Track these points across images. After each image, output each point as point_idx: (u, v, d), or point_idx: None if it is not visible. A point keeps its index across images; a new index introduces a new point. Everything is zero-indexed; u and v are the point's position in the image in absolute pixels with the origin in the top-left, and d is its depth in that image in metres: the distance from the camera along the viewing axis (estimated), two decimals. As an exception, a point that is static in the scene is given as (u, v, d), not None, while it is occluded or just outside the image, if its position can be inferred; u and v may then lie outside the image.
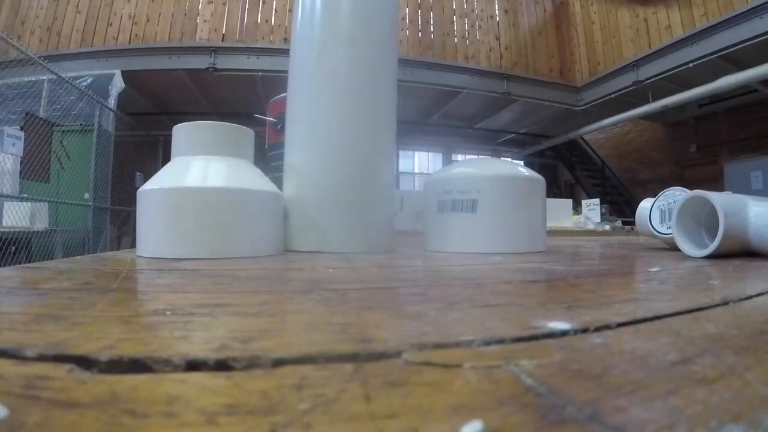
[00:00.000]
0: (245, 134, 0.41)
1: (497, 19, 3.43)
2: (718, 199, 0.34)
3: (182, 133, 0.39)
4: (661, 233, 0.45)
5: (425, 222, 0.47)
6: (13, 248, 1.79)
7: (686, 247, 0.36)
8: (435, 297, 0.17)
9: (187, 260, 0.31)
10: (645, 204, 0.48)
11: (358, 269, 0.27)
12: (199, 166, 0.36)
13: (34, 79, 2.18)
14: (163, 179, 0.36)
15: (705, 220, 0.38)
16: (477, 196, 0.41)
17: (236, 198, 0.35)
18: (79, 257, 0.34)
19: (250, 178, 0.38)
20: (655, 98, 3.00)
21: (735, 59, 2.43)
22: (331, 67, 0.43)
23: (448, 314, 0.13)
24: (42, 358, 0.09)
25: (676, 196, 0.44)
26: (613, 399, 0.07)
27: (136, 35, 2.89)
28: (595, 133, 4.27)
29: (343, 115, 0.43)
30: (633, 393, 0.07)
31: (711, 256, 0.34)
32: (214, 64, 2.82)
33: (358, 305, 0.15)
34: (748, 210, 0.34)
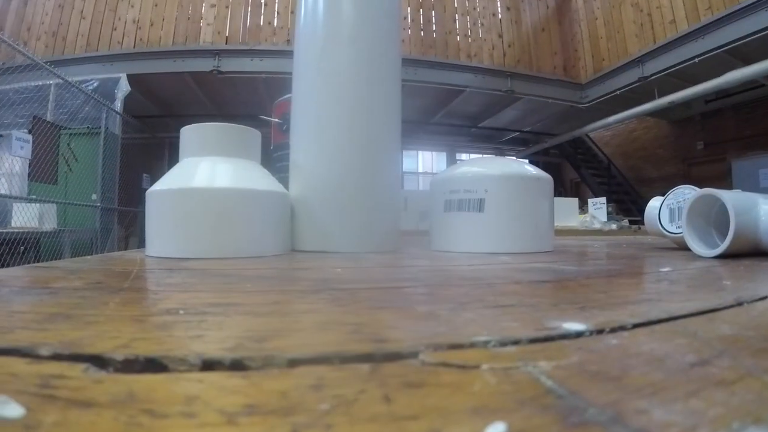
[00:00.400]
0: (252, 135, 0.41)
1: (499, 16, 3.41)
2: (729, 197, 0.33)
3: (190, 134, 0.39)
4: (670, 232, 0.45)
5: (431, 222, 0.46)
6: (22, 248, 1.82)
7: (697, 246, 0.36)
8: (445, 297, 0.17)
9: (195, 260, 0.31)
10: (654, 203, 0.48)
11: (366, 269, 0.27)
12: (206, 167, 0.37)
13: (41, 83, 2.21)
14: (171, 180, 0.36)
15: (714, 219, 0.38)
16: (484, 196, 0.41)
17: (244, 198, 0.35)
18: (88, 257, 0.34)
19: (258, 178, 0.38)
20: (661, 95, 2.96)
21: (741, 54, 2.40)
22: (334, 67, 0.43)
23: (461, 314, 0.13)
24: (56, 357, 0.09)
25: (685, 194, 0.44)
26: (634, 401, 0.07)
27: (141, 39, 2.91)
28: (601, 130, 4.23)
29: (348, 115, 0.43)
30: (653, 395, 0.07)
31: (721, 256, 0.33)
32: (218, 66, 2.84)
33: (369, 305, 0.15)
34: (759, 209, 0.34)
